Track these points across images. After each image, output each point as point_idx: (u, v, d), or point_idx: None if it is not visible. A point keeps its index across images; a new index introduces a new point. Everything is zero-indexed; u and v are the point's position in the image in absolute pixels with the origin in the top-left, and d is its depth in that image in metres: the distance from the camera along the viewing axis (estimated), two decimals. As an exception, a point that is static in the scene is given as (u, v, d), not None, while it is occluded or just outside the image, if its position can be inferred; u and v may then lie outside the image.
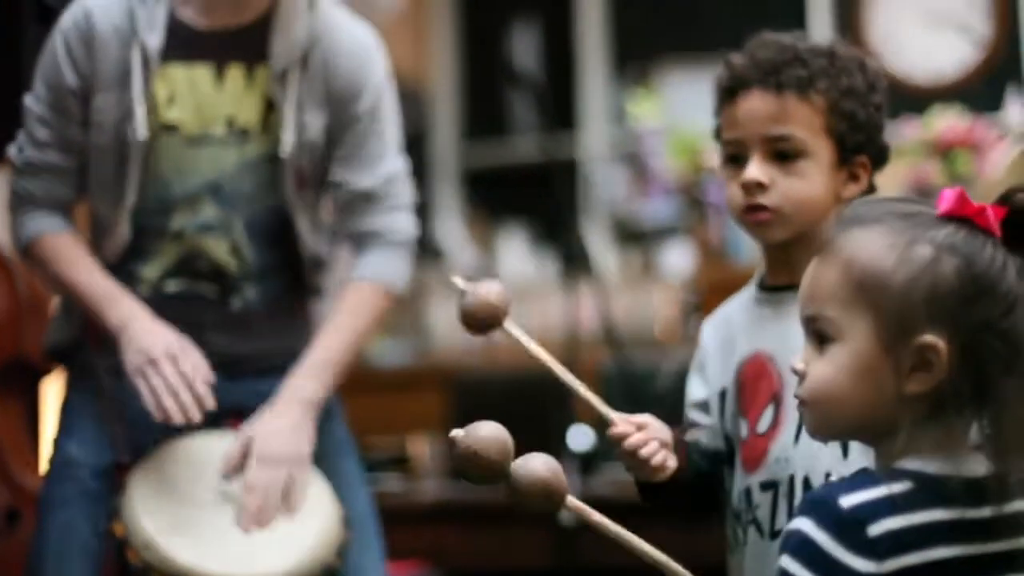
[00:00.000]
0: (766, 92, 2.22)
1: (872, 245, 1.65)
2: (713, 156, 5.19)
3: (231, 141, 2.86)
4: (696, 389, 2.34)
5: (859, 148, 2.24)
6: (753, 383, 2.24)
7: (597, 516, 1.85)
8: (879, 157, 2.29)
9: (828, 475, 2.09)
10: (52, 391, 3.89)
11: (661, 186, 6.31)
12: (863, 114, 2.23)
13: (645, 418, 2.19)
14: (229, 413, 2.84)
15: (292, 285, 2.98)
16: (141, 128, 2.80)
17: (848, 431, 1.74)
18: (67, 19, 2.89)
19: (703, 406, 2.33)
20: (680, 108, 6.26)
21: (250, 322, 2.93)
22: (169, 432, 2.79)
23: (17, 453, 3.40)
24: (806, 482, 2.13)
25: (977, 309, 1.61)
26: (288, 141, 2.84)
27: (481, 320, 2.17)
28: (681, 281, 6.24)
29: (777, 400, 2.19)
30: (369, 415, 3.16)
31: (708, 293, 5.05)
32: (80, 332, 2.91)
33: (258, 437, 2.76)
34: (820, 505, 1.59)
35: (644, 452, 2.15)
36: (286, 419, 2.79)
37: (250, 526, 2.71)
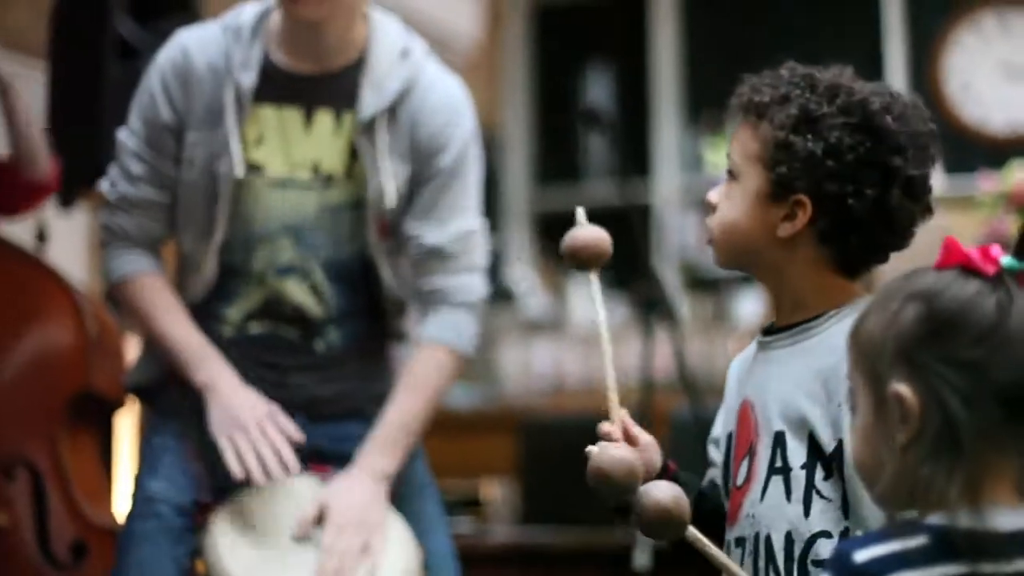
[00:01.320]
0: (740, 115, 2.09)
1: (870, 314, 1.63)
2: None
3: (315, 186, 2.87)
4: (717, 424, 2.22)
5: (795, 184, 2.00)
6: (740, 431, 2.11)
7: (714, 550, 1.88)
8: (835, 204, 2.00)
9: (789, 534, 1.99)
10: (125, 425, 3.91)
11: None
12: (806, 149, 1.99)
13: (645, 438, 2.09)
14: (311, 456, 2.84)
15: (374, 329, 2.98)
16: (238, 166, 2.81)
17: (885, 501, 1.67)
18: (164, 56, 2.91)
19: (716, 442, 2.20)
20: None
21: (333, 365, 2.93)
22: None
23: (86, 486, 3.42)
24: (767, 542, 2.01)
25: (935, 346, 1.56)
26: (388, 191, 2.84)
27: (579, 258, 2.14)
28: (752, 328, 6.20)
29: (752, 452, 2.06)
30: (440, 457, 3.14)
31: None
32: (163, 372, 2.92)
33: (333, 505, 2.76)
34: (836, 559, 1.56)
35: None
36: (360, 490, 2.80)
37: None
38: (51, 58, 4.24)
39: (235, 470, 2.73)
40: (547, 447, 5.23)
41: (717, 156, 6.04)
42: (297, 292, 2.89)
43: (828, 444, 1.97)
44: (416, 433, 2.88)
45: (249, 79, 2.83)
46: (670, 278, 7.45)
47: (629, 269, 5.06)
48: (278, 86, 2.86)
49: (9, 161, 3.60)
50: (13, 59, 4.60)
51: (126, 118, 3.03)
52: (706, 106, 7.66)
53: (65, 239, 3.61)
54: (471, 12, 7.45)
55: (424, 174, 2.89)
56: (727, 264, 2.14)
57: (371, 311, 2.97)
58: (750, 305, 6.86)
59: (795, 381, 2.02)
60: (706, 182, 6.88)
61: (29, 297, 3.51)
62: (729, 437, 2.14)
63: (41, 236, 3.96)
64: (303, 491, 2.79)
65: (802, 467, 1.99)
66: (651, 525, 1.85)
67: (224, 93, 2.83)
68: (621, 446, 1.95)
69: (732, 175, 2.08)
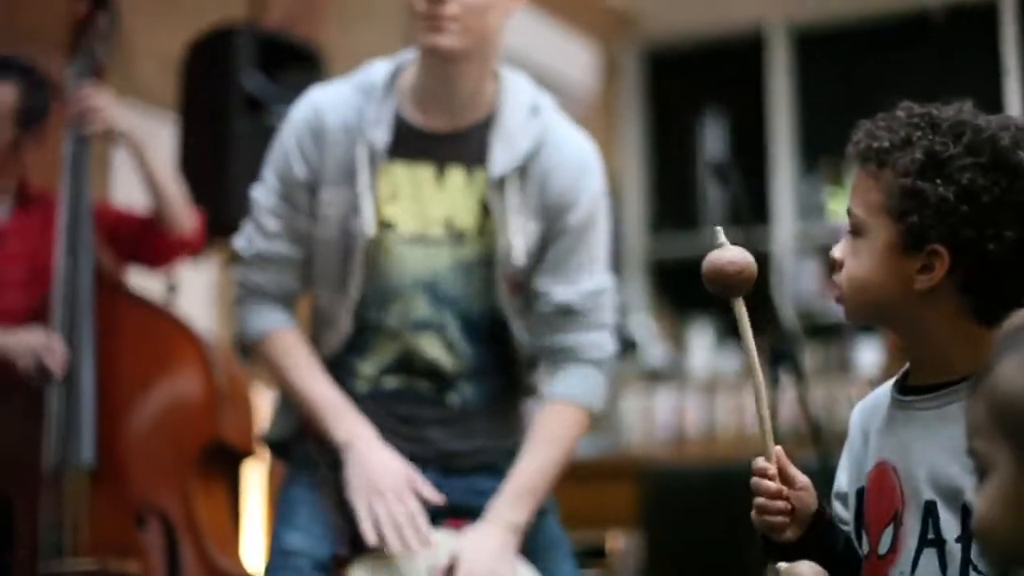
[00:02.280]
0: (857, 164, 1.97)
1: (1008, 364, 1.48)
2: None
3: (447, 242, 2.87)
4: (841, 477, 2.08)
5: (928, 234, 1.88)
6: (877, 495, 1.98)
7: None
8: (974, 250, 1.88)
9: None
10: (255, 476, 3.93)
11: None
12: (937, 194, 1.87)
13: (801, 478, 1.96)
14: (446, 511, 2.84)
15: (506, 383, 2.97)
16: (369, 224, 2.82)
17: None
18: (298, 114, 2.93)
19: (843, 498, 2.07)
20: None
21: (467, 419, 2.93)
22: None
23: (217, 536, 3.44)
24: None
25: None
26: (517, 247, 2.84)
27: (725, 280, 1.99)
28: (873, 376, 6.14)
29: (897, 520, 1.93)
30: (564, 507, 3.13)
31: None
32: (299, 424, 2.93)
33: (464, 557, 2.76)
34: None
35: (758, 501, 1.94)
36: (491, 543, 2.78)
37: None
38: (180, 111, 4.30)
39: (370, 538, 2.74)
40: (669, 497, 5.21)
41: (837, 204, 5.99)
42: (432, 347, 2.89)
43: None
44: (546, 487, 2.87)
45: (382, 137, 2.85)
46: (789, 325, 7.41)
47: (750, 318, 5.05)
48: (410, 143, 2.87)
49: (154, 218, 3.65)
50: (142, 111, 4.66)
51: (253, 171, 3.06)
52: (823, 153, 7.62)
53: (193, 290, 3.65)
54: (587, 61, 7.48)
55: (554, 231, 2.89)
56: (860, 321, 2.06)
57: (503, 366, 2.97)
58: (870, 352, 6.79)
59: (946, 448, 1.88)
60: (824, 229, 6.87)
61: (160, 349, 3.55)
62: (859, 495, 2.02)
63: (171, 288, 4.01)
64: (437, 545, 2.79)
65: (957, 540, 1.87)
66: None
67: (357, 151, 2.85)
68: (809, 564, 1.90)
69: (857, 230, 1.96)
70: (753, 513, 1.96)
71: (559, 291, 2.89)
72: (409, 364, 2.90)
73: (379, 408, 2.88)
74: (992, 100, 7.34)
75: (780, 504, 1.93)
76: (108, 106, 3.56)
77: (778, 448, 1.94)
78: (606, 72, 7.83)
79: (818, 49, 7.91)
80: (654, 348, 7.26)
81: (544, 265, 2.90)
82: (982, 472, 1.52)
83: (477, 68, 2.86)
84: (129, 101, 4.71)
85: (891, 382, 2.04)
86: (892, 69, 7.68)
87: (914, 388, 1.97)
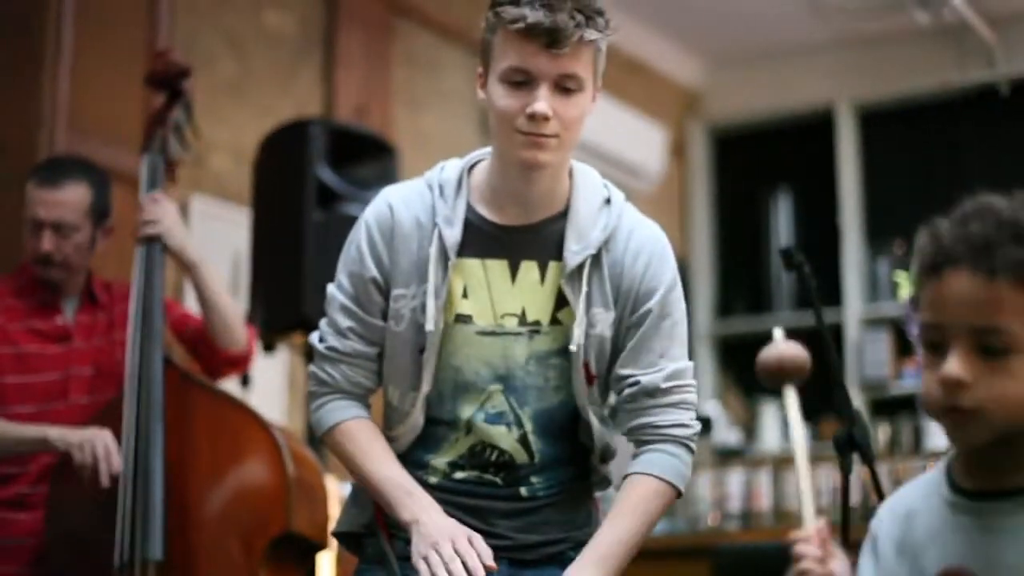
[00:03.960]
0: (976, 274, 1.86)
1: None
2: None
3: (522, 334, 2.91)
4: None
5: None
6: None
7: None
8: None
9: None
10: (326, 565, 3.96)
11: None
12: None
13: (841, 554, 1.92)
14: None
15: (579, 475, 2.99)
16: (431, 321, 2.87)
17: None
18: (370, 212, 2.98)
19: None
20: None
21: (538, 511, 2.94)
22: None
23: (287, 628, 3.48)
24: None
25: None
26: (577, 335, 2.88)
27: (767, 374, 2.07)
28: (945, 453, 6.11)
29: None
30: (636, 587, 3.14)
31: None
32: (371, 518, 2.97)
33: None
34: None
35: (802, 566, 1.91)
36: None
37: None
38: (254, 204, 4.38)
39: None
40: (739, 573, 5.21)
41: (905, 282, 5.99)
42: (505, 440, 2.91)
43: None
44: (625, 556, 2.83)
45: (454, 234, 2.89)
46: (859, 402, 7.41)
47: (819, 398, 5.06)
48: (483, 239, 2.91)
49: (205, 330, 3.72)
50: (216, 203, 4.75)
51: (328, 262, 3.09)
52: (892, 231, 7.63)
53: (266, 381, 3.70)
54: (656, 144, 7.54)
55: (632, 318, 2.92)
56: (990, 438, 1.89)
57: (575, 457, 2.98)
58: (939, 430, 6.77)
59: None
60: (893, 307, 6.87)
61: (231, 439, 3.58)
62: None
63: (245, 380, 4.07)
64: None
65: None
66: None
67: (431, 249, 2.90)
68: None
69: (936, 347, 1.88)
70: None
71: (644, 376, 2.90)
72: (481, 457, 2.93)
73: (448, 500, 2.90)
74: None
75: (823, 569, 1.90)
76: (164, 218, 3.63)
77: (820, 522, 1.94)
78: (675, 153, 7.89)
79: (885, 127, 7.95)
80: (725, 428, 7.27)
81: (628, 352, 2.92)
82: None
83: (557, 169, 2.92)
84: (203, 195, 4.81)
85: (925, 484, 2.02)
86: (960, 144, 7.70)
87: (979, 492, 1.93)
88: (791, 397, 2.03)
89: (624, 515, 2.86)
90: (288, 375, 4.94)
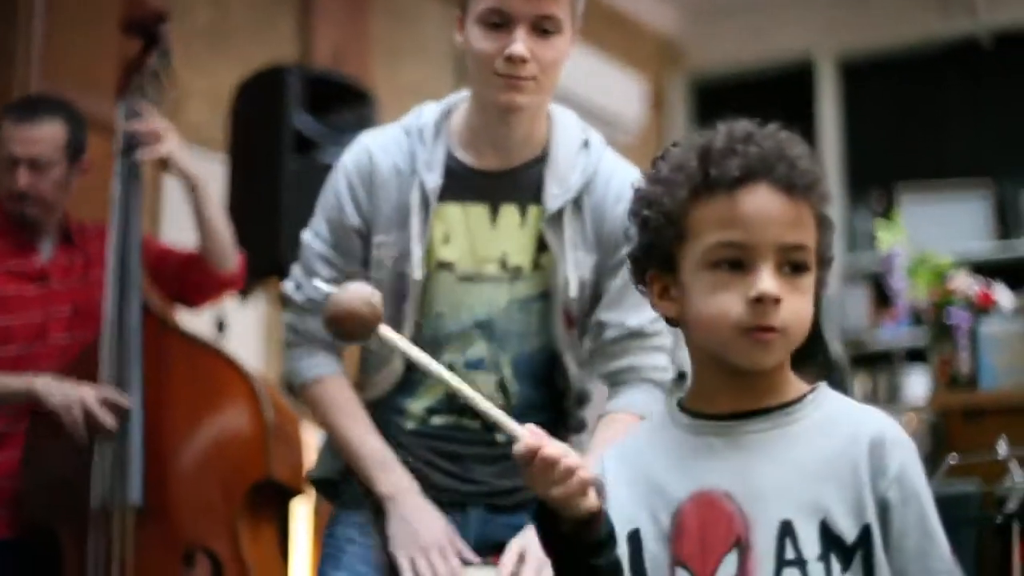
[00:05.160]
0: (777, 190, 1.87)
1: None
2: (957, 281, 5.14)
3: (503, 279, 2.90)
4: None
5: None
6: (699, 526, 1.89)
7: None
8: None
9: None
10: (302, 512, 3.97)
11: (903, 310, 6.26)
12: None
13: (564, 448, 1.87)
14: (492, 547, 2.86)
15: (556, 420, 2.99)
16: (417, 269, 2.86)
17: None
18: (349, 158, 2.96)
19: (601, 546, 1.91)
20: (922, 232, 6.20)
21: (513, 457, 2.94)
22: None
23: (264, 573, 3.47)
24: None
25: None
26: (572, 280, 2.87)
27: (347, 329, 1.99)
28: (922, 407, 6.13)
29: (743, 545, 1.86)
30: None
31: (951, 420, 4.96)
32: (346, 465, 2.96)
33: (531, 548, 2.76)
34: None
35: (568, 462, 1.83)
36: None
37: None
38: (229, 151, 4.36)
39: None
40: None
41: (886, 234, 6.00)
42: (484, 385, 2.91)
43: (849, 532, 1.84)
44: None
45: (434, 179, 2.88)
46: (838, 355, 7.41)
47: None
48: (463, 184, 2.90)
49: (200, 255, 3.71)
50: (192, 153, 4.73)
51: (304, 210, 3.07)
52: (870, 183, 7.63)
53: (242, 328, 3.69)
54: (635, 95, 7.52)
55: (613, 262, 2.91)
56: (783, 359, 1.90)
57: (552, 402, 2.98)
58: (918, 382, 6.80)
59: (800, 467, 1.87)
60: (873, 259, 6.86)
61: (210, 386, 3.58)
62: (633, 536, 1.93)
63: (220, 326, 4.06)
64: None
65: (819, 559, 1.84)
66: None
67: (410, 195, 2.88)
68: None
69: (737, 265, 1.86)
70: (557, 488, 1.86)
71: (630, 318, 2.90)
72: (458, 403, 2.92)
73: (425, 445, 2.90)
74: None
75: (572, 460, 1.84)
76: (168, 133, 3.64)
77: (530, 425, 1.94)
78: (654, 104, 7.87)
79: (866, 78, 7.93)
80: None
81: (610, 296, 2.92)
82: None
83: (535, 112, 2.90)
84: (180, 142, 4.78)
85: (647, 427, 2.04)
86: (941, 97, 7.69)
87: (718, 415, 1.92)
88: (389, 334, 2.01)
89: (603, 448, 2.86)
90: (264, 322, 4.93)
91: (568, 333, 2.90)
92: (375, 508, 2.87)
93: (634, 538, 1.92)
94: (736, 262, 1.85)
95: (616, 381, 2.91)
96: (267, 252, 3.98)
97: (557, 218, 2.86)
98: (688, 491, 1.89)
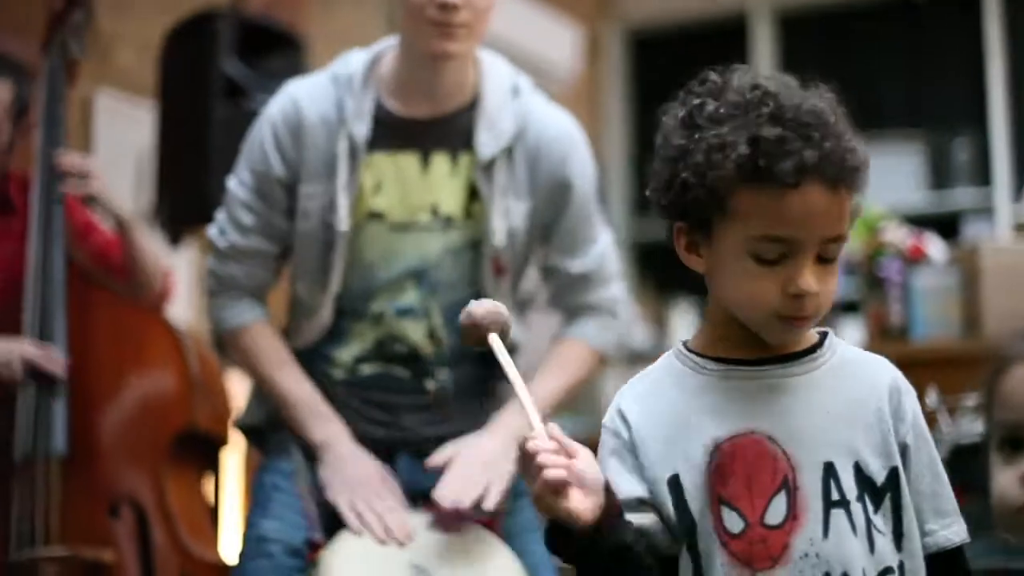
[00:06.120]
0: (826, 186, 1.87)
1: None
2: (890, 232, 5.16)
3: (435, 228, 2.89)
4: (626, 483, 1.94)
5: None
6: (743, 467, 1.92)
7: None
8: None
9: (864, 572, 1.89)
10: (232, 462, 3.95)
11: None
12: None
13: (584, 450, 1.84)
14: (421, 495, 2.86)
15: (484, 370, 2.99)
16: (343, 219, 2.84)
17: None
18: (275, 108, 2.93)
19: (638, 504, 1.93)
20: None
21: (442, 405, 2.95)
22: None
23: (190, 523, 3.46)
24: None
25: None
26: (499, 229, 2.87)
27: (469, 338, 2.04)
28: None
29: (790, 487, 1.91)
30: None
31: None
32: (273, 413, 2.95)
33: (463, 452, 2.81)
34: None
35: (541, 459, 1.80)
36: (493, 443, 2.84)
37: (442, 529, 2.77)
38: (159, 99, 4.30)
39: (353, 527, 2.77)
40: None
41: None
42: (413, 333, 2.91)
43: (878, 474, 1.92)
44: (549, 412, 2.88)
45: (362, 129, 2.86)
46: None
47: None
48: (393, 133, 2.89)
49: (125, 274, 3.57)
50: (121, 99, 4.67)
51: (233, 157, 3.05)
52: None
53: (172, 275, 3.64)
54: (570, 44, 7.47)
55: (553, 209, 2.93)
56: None
57: (481, 353, 2.97)
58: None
59: (830, 410, 1.93)
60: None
61: (135, 337, 3.56)
62: (673, 481, 1.93)
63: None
64: (413, 529, 2.80)
65: (857, 500, 1.91)
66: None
67: (338, 145, 2.85)
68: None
69: (779, 260, 1.87)
70: (535, 487, 1.82)
71: (575, 263, 2.99)
72: (388, 351, 2.92)
73: (354, 394, 2.90)
74: (974, 83, 7.36)
75: (561, 459, 1.81)
76: (95, 171, 3.47)
77: (552, 424, 1.87)
78: (589, 54, 7.84)
79: (802, 32, 7.93)
80: (637, 329, 7.27)
81: (554, 243, 2.98)
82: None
83: (465, 59, 2.89)
84: (108, 89, 4.72)
85: (656, 375, 2.01)
86: (876, 52, 7.70)
87: (745, 360, 1.95)
88: (496, 345, 2.02)
89: (553, 371, 2.93)
90: (195, 270, 4.89)
91: (497, 281, 2.90)
92: (306, 454, 2.86)
93: (674, 483, 1.93)
94: (777, 254, 1.87)
95: (571, 315, 2.98)
96: (196, 199, 3.93)
97: (489, 166, 2.85)
98: (727, 432, 1.93)
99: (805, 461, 1.90)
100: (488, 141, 2.87)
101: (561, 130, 2.96)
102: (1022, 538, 1.75)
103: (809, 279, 1.86)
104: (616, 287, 3.04)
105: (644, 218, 7.97)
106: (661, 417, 1.96)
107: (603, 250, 3.02)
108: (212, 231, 2.98)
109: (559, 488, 1.79)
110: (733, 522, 1.90)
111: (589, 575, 1.89)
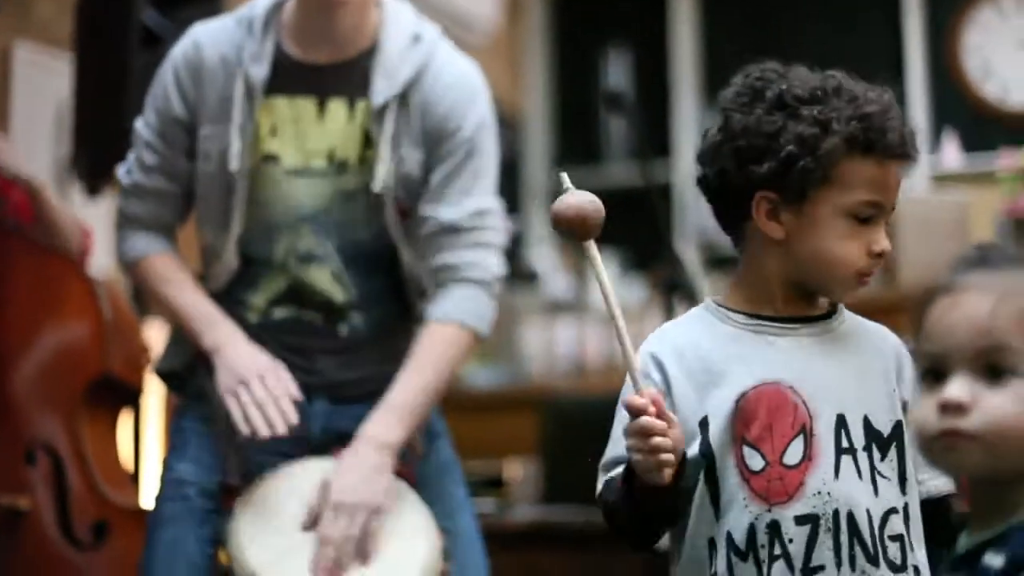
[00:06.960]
0: (907, 163, 2.23)
1: None
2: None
3: (330, 173, 2.90)
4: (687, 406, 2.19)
5: None
6: (767, 412, 2.14)
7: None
8: None
9: (868, 511, 2.14)
10: (153, 408, 3.96)
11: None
12: None
13: (675, 419, 2.05)
14: (335, 439, 2.87)
15: (398, 312, 3.00)
16: (235, 159, 2.85)
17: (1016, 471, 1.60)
18: (178, 50, 2.95)
19: (704, 424, 2.18)
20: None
21: (357, 348, 2.96)
22: (276, 458, 2.84)
23: (106, 469, 3.49)
24: (850, 517, 2.13)
25: None
26: (381, 176, 2.87)
27: (566, 227, 2.08)
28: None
29: (807, 432, 2.15)
30: (462, 438, 3.17)
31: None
32: (192, 357, 2.96)
33: (334, 487, 2.76)
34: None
35: (654, 442, 2.00)
36: (362, 466, 2.78)
37: None
38: (77, 49, 4.29)
39: (242, 430, 2.76)
40: (570, 427, 5.27)
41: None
42: (320, 278, 2.92)
43: (885, 427, 2.18)
44: (424, 408, 2.86)
45: (260, 71, 2.87)
46: (691, 257, 7.48)
47: (650, 249, 5.10)
48: (291, 77, 2.90)
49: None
50: (40, 51, 4.65)
51: (149, 107, 3.07)
52: (725, 85, 7.66)
53: (91, 223, 3.64)
54: (490, -4, 7.48)
55: (437, 155, 2.91)
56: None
57: (394, 295, 2.99)
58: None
59: (847, 368, 2.20)
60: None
61: (48, 285, 3.56)
62: (703, 423, 2.16)
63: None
64: (325, 475, 2.81)
65: (864, 449, 2.16)
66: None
67: (235, 86, 2.87)
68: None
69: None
70: (636, 455, 2.03)
71: (444, 212, 2.91)
72: (299, 295, 2.94)
73: (268, 338, 2.92)
74: (891, 34, 7.41)
75: (669, 441, 2.02)
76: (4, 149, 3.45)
77: (652, 391, 2.05)
78: (509, 7, 7.84)
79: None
80: (556, 279, 7.31)
81: (430, 188, 2.92)
82: (995, 370, 1.61)
83: (362, 5, 2.89)
84: (27, 41, 4.69)
85: (691, 323, 2.27)
86: (794, 15, 7.72)
87: (776, 317, 2.22)
88: (592, 251, 2.10)
89: (420, 366, 2.86)
90: (113, 217, 4.87)
91: (402, 225, 2.91)
92: (217, 395, 2.87)
93: (703, 424, 2.17)
94: (869, 217, 2.14)
95: (436, 280, 2.92)
96: (113, 147, 3.92)
97: (382, 113, 2.86)
98: (755, 379, 2.16)
99: (821, 411, 2.16)
100: (383, 88, 2.88)
101: (458, 77, 2.94)
102: (941, 466, 1.73)
103: (885, 241, 2.16)
104: (493, 259, 2.94)
105: (564, 169, 7.98)
106: (694, 362, 2.19)
107: (481, 210, 2.93)
108: (120, 170, 3.01)
109: (667, 463, 2.02)
110: (755, 461, 2.14)
111: (647, 516, 2.15)
